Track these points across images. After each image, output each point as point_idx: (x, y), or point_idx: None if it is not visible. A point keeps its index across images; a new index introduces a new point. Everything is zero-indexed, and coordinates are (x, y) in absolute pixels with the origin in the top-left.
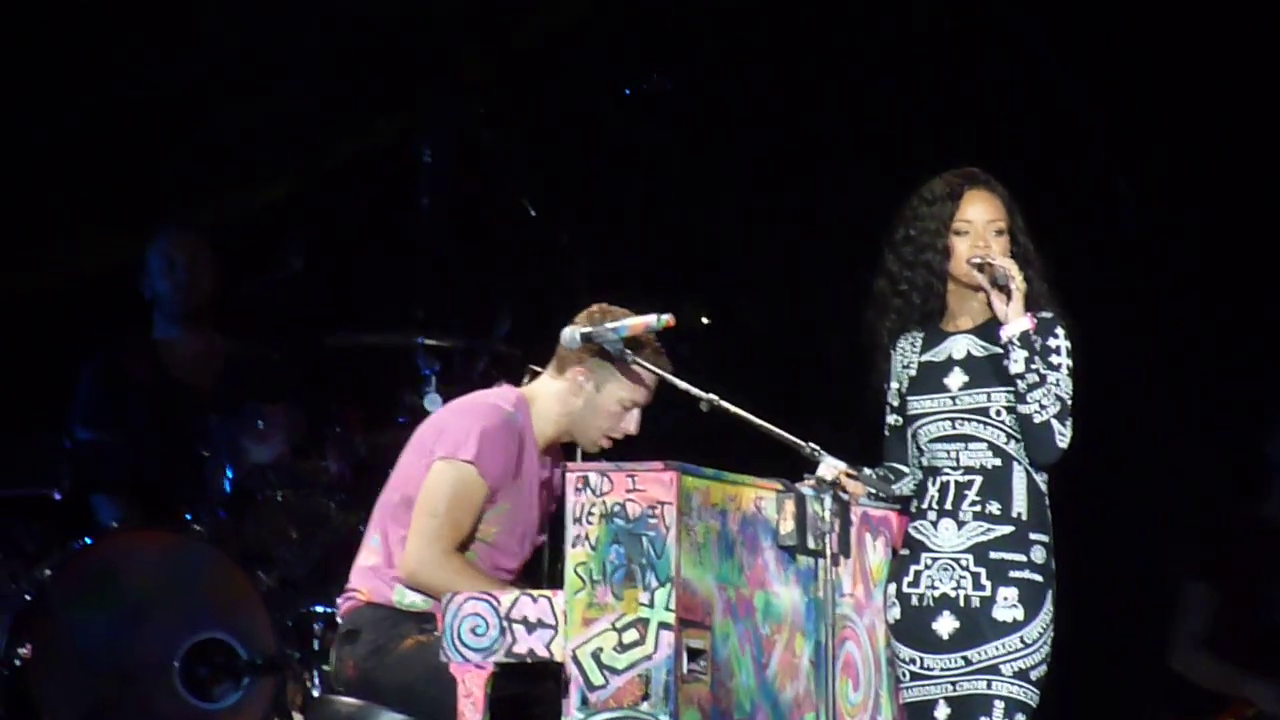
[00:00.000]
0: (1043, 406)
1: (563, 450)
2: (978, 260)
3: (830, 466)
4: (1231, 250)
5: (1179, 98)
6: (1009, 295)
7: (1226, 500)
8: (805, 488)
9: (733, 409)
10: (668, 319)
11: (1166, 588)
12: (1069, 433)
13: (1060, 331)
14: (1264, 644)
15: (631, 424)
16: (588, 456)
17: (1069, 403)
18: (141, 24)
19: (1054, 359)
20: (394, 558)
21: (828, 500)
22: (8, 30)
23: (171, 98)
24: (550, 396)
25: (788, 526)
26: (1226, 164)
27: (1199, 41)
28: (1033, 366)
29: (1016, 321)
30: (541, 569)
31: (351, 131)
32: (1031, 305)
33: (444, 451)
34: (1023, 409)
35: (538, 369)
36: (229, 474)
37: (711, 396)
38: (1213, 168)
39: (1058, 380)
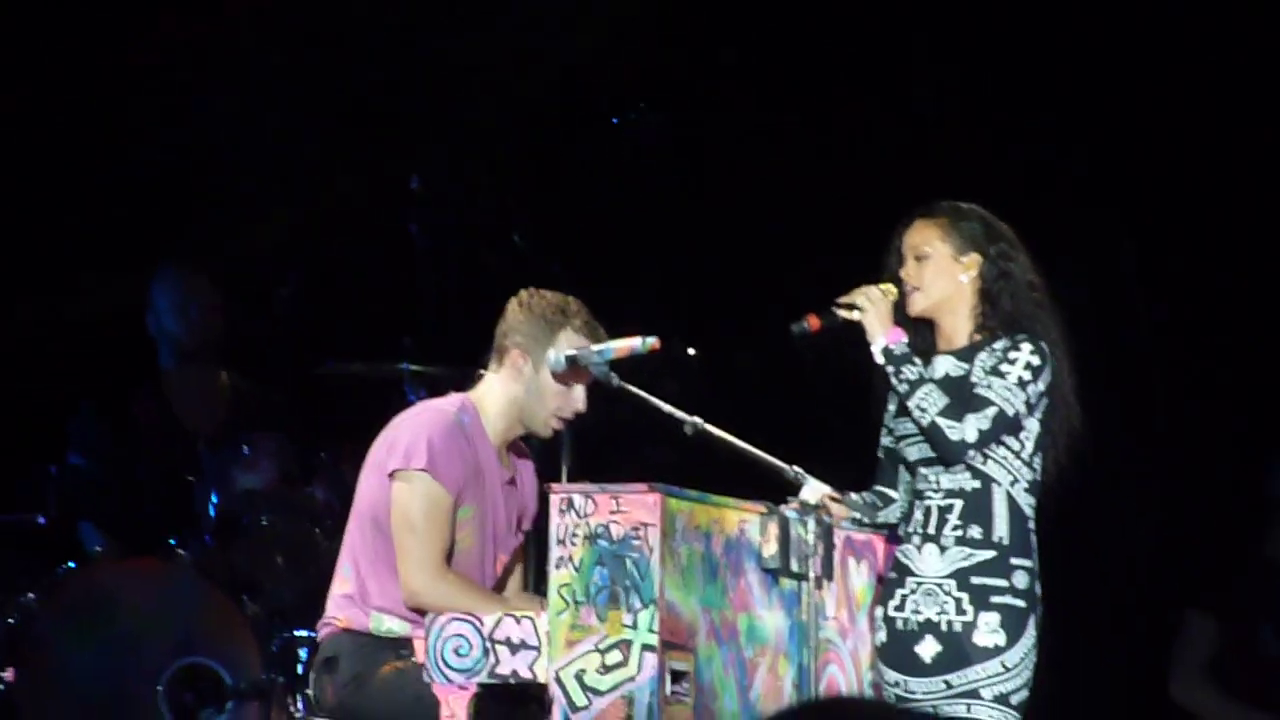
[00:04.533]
0: (923, 409)
1: (528, 446)
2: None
3: (814, 490)
4: (1232, 285)
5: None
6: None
7: (1228, 533)
8: (789, 511)
9: (717, 432)
10: (653, 342)
11: (1167, 618)
12: (968, 427)
13: (1026, 347)
14: (1265, 679)
15: (579, 401)
16: (545, 446)
17: (992, 402)
18: (146, 75)
19: (1003, 367)
20: (367, 584)
21: (811, 523)
22: (13, 77)
23: (170, 145)
24: (494, 391)
25: (771, 549)
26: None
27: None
28: (901, 376)
29: (876, 341)
30: (528, 585)
31: (346, 172)
32: (1010, 327)
33: (397, 464)
34: (913, 416)
35: (483, 371)
36: (214, 500)
37: (696, 420)
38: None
39: (990, 383)
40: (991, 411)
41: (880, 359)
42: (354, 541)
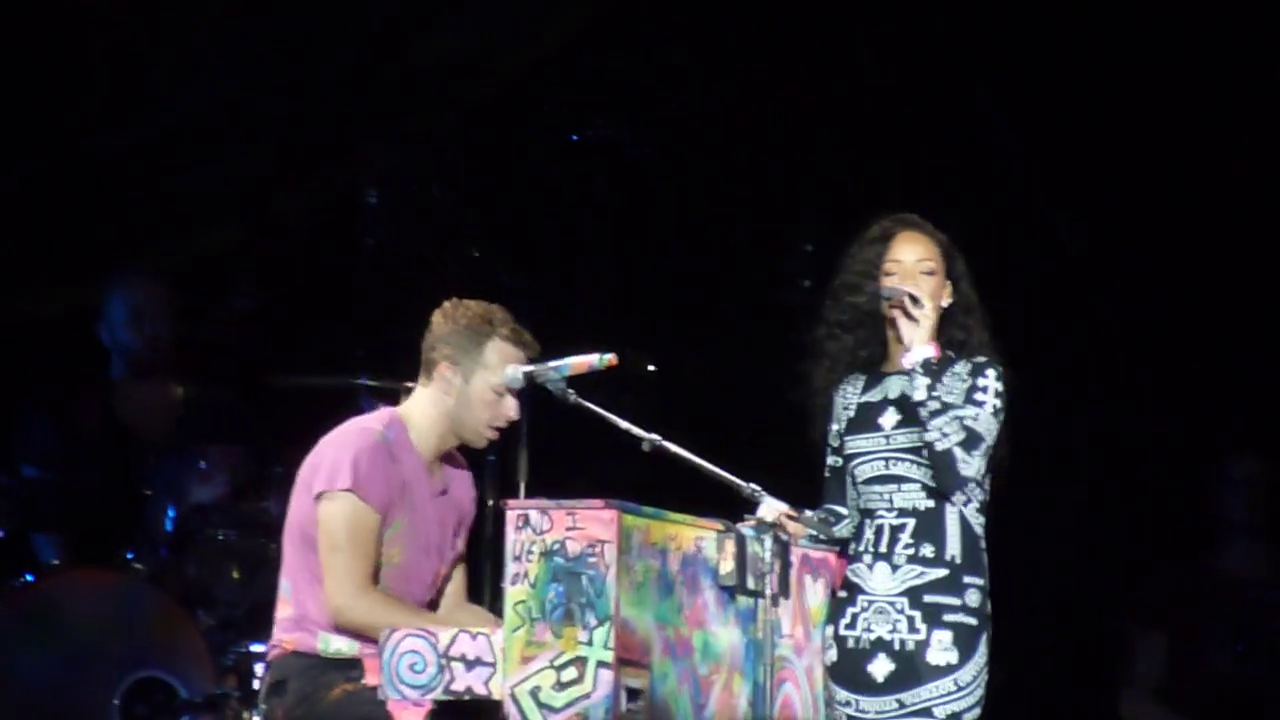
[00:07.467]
0: (944, 434)
1: (464, 455)
2: (886, 290)
3: (771, 507)
4: (1177, 298)
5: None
6: (915, 322)
7: (1179, 549)
8: (746, 528)
9: (674, 449)
10: (610, 358)
11: (1116, 636)
12: (975, 462)
13: (991, 374)
14: (1214, 695)
15: (511, 409)
16: (477, 453)
17: (984, 437)
18: (98, 81)
19: (978, 396)
20: (308, 604)
21: (768, 541)
22: None
23: (124, 152)
24: (424, 405)
25: (728, 566)
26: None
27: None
28: (934, 394)
29: (919, 348)
30: (483, 604)
31: (300, 183)
32: (971, 353)
33: (322, 486)
34: (926, 436)
35: (411, 386)
36: (171, 513)
37: (654, 436)
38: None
39: (976, 415)
40: (984, 446)
41: (918, 370)
42: (289, 562)
